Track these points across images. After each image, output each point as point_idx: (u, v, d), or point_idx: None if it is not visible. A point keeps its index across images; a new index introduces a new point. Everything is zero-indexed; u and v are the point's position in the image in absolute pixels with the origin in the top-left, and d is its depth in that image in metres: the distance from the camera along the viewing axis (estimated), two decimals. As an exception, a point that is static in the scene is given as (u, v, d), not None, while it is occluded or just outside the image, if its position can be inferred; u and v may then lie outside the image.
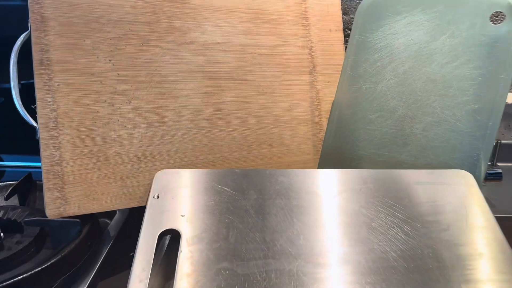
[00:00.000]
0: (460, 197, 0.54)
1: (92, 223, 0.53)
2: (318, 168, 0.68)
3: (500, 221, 0.52)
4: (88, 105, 0.53)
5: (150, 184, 0.53)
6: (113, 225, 0.58)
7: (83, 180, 0.52)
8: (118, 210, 0.60)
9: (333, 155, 0.67)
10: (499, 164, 0.77)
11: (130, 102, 0.55)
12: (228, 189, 0.54)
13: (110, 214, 0.60)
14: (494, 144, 0.67)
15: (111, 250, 0.54)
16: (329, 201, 0.53)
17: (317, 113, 0.69)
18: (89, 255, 0.51)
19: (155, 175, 0.54)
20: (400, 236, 0.49)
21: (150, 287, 0.46)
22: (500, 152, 0.77)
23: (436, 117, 0.59)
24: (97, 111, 0.54)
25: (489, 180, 0.65)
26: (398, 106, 0.62)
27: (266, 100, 0.65)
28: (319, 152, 0.68)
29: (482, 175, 0.57)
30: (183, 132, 0.58)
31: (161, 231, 0.48)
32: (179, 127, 0.58)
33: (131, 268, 0.45)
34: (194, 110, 0.59)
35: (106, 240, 0.55)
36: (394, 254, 0.47)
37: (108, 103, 0.54)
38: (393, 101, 0.62)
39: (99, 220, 0.58)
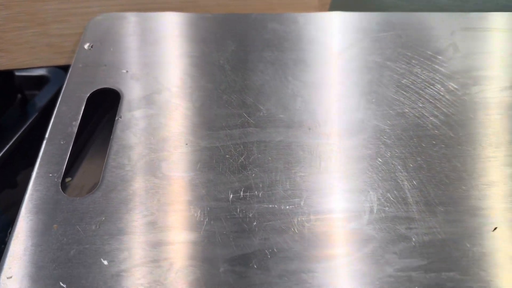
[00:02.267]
0: (528, 47, 0.37)
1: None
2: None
3: None
4: None
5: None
6: (41, 96, 0.42)
7: (-18, 23, 0.36)
8: (51, 76, 0.44)
9: (347, 6, 0.50)
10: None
11: None
12: (194, 39, 0.37)
13: (40, 82, 0.44)
14: None
15: (30, 131, 0.40)
16: (340, 53, 0.36)
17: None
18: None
19: (90, 20, 0.38)
20: (442, 96, 0.33)
21: (74, 165, 0.32)
22: None
23: None
24: None
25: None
26: None
27: None
28: (328, 5, 0.51)
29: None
30: (131, -40, 0.40)
31: (92, 91, 0.33)
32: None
33: (45, 136, 0.30)
34: None
35: (27, 115, 0.40)
36: (434, 120, 0.32)
37: None
38: None
39: (26, 93, 0.43)
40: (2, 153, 0.38)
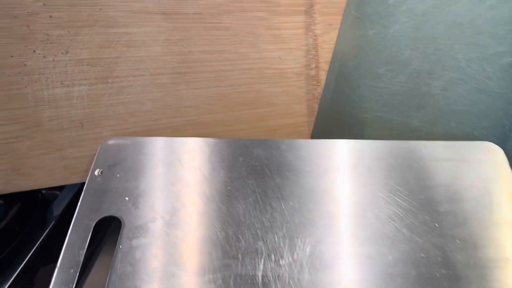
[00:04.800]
0: (485, 179, 0.42)
1: (22, 203, 0.44)
2: (312, 133, 0.56)
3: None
4: (12, 56, 0.42)
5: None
6: (60, 198, 0.48)
7: (9, 151, 0.42)
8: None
9: (331, 118, 0.55)
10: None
11: (68, 52, 0.44)
12: (189, 165, 0.43)
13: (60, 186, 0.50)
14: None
15: (52, 233, 0.45)
16: (310, 183, 0.41)
17: (313, 65, 0.56)
18: (17, 244, 0.42)
19: (100, 145, 0.44)
20: (401, 232, 0.38)
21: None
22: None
23: (460, 73, 0.46)
24: (24, 64, 0.42)
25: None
26: (413, 58, 0.48)
27: (247, 49, 0.52)
28: (315, 114, 0.56)
29: (516, 150, 0.44)
30: (139, 90, 0.47)
31: (98, 219, 0.39)
32: (133, 84, 0.46)
33: (55, 270, 0.36)
34: (152, 62, 0.47)
35: (47, 221, 0.46)
36: (391, 258, 0.36)
37: (39, 54, 0.43)
38: (407, 51, 0.48)
39: (44, 192, 0.49)
40: (28, 257, 0.43)
